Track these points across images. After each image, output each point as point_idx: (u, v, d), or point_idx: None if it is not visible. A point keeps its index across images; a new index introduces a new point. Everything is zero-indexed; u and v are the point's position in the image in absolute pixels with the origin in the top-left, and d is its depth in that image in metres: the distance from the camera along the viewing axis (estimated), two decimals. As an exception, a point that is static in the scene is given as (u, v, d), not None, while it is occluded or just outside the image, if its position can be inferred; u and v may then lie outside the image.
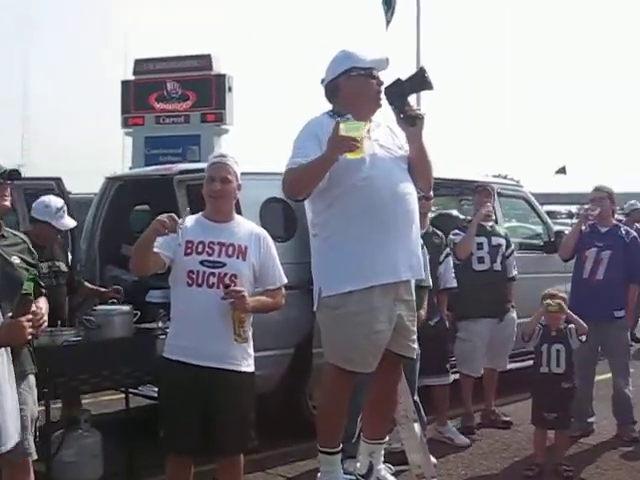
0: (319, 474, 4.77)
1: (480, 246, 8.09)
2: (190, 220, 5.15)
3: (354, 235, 4.69)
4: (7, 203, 4.70)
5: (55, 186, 8.68)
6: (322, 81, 5.03)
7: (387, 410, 4.95)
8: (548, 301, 6.73)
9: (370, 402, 4.97)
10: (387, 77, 4.97)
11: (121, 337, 6.28)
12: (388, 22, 25.46)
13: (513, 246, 8.46)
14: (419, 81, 4.80)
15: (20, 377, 4.71)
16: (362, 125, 4.52)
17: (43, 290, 4.75)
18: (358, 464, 4.93)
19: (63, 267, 7.00)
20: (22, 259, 4.68)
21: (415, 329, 5.03)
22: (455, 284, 7.74)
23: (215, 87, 25.58)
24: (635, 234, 8.19)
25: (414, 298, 4.97)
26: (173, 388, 5.09)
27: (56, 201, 7.02)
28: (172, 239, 4.87)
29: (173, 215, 4.78)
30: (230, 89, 25.84)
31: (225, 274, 4.94)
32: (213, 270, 4.94)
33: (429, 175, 5.00)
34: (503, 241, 8.26)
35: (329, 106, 5.02)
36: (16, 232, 4.94)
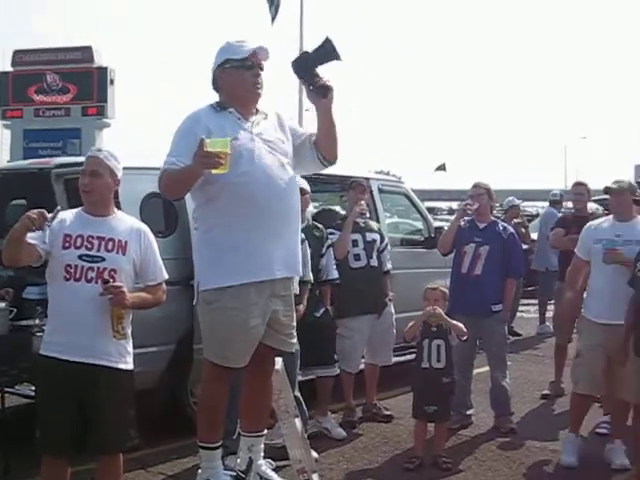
0: (199, 470, 4.74)
1: (355, 243, 8.13)
2: (69, 214, 5.08)
3: (231, 231, 4.69)
4: None
5: None
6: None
7: (263, 403, 4.95)
8: (428, 309, 6.82)
9: (246, 395, 4.98)
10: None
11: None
12: (273, 17, 25.49)
13: (387, 240, 8.53)
14: (325, 52, 4.77)
15: None
16: (227, 141, 4.51)
17: None
18: (238, 460, 4.92)
19: None
20: None
21: (293, 324, 5.04)
22: (337, 276, 7.77)
23: (96, 80, 25.17)
24: (512, 230, 8.37)
25: (292, 293, 4.97)
26: (49, 386, 4.98)
27: None
28: (45, 235, 4.79)
29: (43, 211, 4.68)
30: (112, 82, 25.46)
31: (104, 269, 4.87)
32: (92, 265, 4.86)
33: (335, 146, 5.01)
34: (377, 236, 8.31)
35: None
36: None
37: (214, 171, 4.48)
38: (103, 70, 25.33)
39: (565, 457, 6.87)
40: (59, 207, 4.88)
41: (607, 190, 7.07)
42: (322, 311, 7.60)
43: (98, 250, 4.92)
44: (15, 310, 6.34)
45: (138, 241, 5.07)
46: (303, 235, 6.35)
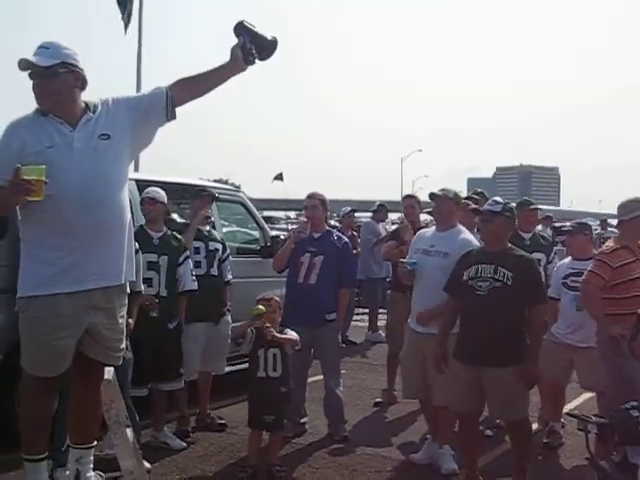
0: (26, 483, 4.63)
1: (197, 250, 8.13)
2: None
3: (42, 243, 4.64)
4: None
5: None
6: None
7: (90, 414, 4.87)
8: (255, 307, 6.84)
9: (73, 407, 4.90)
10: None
11: None
12: (126, 25, 25.03)
13: (229, 250, 8.56)
14: (267, 47, 4.91)
15: None
16: (42, 169, 4.44)
17: None
18: (67, 472, 4.83)
19: None
20: None
21: (118, 337, 4.95)
22: (195, 286, 7.76)
23: None
24: (347, 240, 8.49)
25: (116, 305, 4.88)
26: None
27: None
28: None
29: None
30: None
31: None
32: None
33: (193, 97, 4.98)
34: (220, 245, 8.34)
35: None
36: None
37: (29, 198, 4.44)
38: None
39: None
40: None
41: (432, 196, 7.29)
42: (175, 323, 7.55)
43: None
44: None
45: None
46: (137, 245, 6.26)
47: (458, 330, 6.39)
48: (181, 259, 7.70)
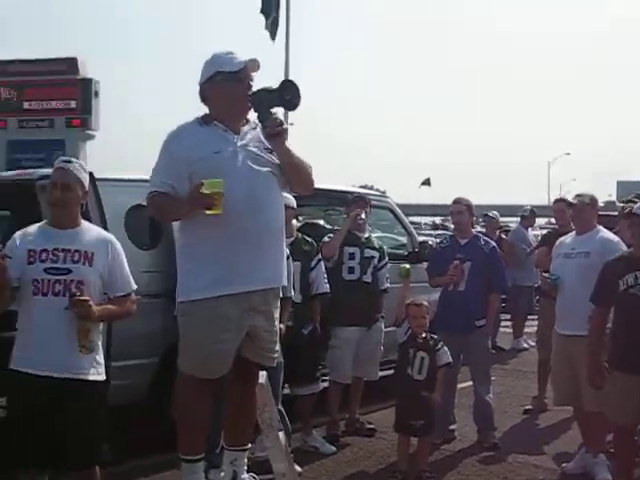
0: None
1: (352, 256, 8.16)
2: (32, 229, 5.08)
3: (208, 245, 4.69)
4: None
5: None
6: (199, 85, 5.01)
7: (246, 417, 4.94)
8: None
9: (229, 409, 4.98)
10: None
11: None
12: (272, 33, 25.36)
13: (387, 259, 8.53)
14: (280, 97, 4.75)
15: None
16: (222, 182, 4.52)
17: None
18: (222, 474, 4.91)
19: None
20: None
21: (274, 339, 5.01)
22: (327, 289, 7.78)
23: (81, 91, 25.11)
24: (494, 244, 8.40)
25: (274, 308, 4.95)
26: (19, 400, 4.98)
27: None
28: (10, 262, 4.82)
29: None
30: (97, 94, 25.40)
31: (71, 281, 4.85)
32: (58, 277, 4.84)
33: (302, 181, 5.00)
34: (376, 254, 8.32)
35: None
36: None
37: (208, 212, 4.51)
38: (88, 82, 25.26)
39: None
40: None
41: (569, 204, 7.26)
42: (310, 328, 7.61)
43: (64, 262, 4.89)
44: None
45: (105, 252, 5.03)
46: (288, 251, 6.35)
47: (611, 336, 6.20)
48: (313, 263, 7.74)
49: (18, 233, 5.10)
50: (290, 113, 15.22)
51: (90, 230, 5.14)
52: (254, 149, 4.85)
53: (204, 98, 4.93)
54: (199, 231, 4.74)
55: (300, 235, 7.81)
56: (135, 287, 5.21)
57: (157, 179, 4.73)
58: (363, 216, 8.23)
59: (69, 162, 5.06)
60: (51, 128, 25.25)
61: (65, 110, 25.47)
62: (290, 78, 4.99)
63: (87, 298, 4.78)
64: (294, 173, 4.93)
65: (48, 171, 7.93)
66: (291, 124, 26.30)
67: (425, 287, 8.74)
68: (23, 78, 25.65)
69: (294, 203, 7.61)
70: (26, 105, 25.78)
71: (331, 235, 8.26)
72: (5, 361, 5.09)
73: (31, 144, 25.01)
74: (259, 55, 4.98)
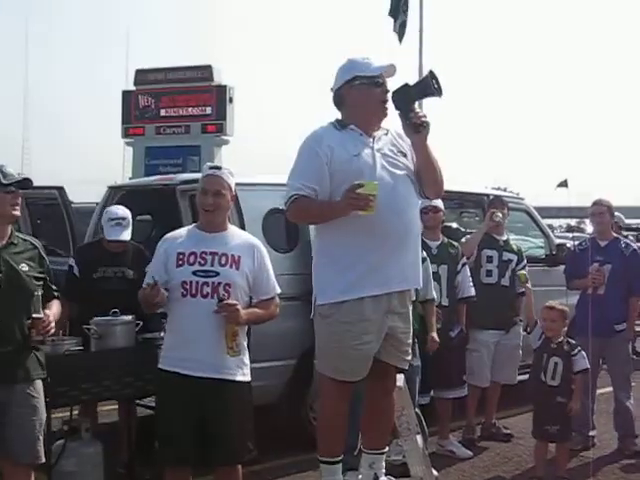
0: (319, 484, 4.77)
1: (490, 259, 8.11)
2: (182, 232, 5.28)
3: (349, 248, 4.68)
4: (18, 212, 4.93)
5: (57, 195, 8.70)
6: (332, 89, 5.00)
7: (384, 420, 4.94)
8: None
9: (368, 412, 4.96)
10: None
11: (123, 347, 6.28)
12: (400, 35, 25.29)
13: (525, 262, 8.43)
14: (425, 87, 4.72)
15: (26, 381, 4.81)
16: (376, 185, 4.51)
17: (55, 294, 5.05)
18: (360, 476, 4.92)
19: (129, 274, 6.92)
20: (30, 266, 4.88)
21: (409, 341, 5.01)
22: (473, 293, 7.77)
23: (216, 98, 25.63)
24: (635, 247, 8.20)
25: (409, 310, 4.94)
26: (168, 399, 5.13)
27: (115, 211, 7.07)
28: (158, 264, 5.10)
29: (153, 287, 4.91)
30: (231, 100, 25.88)
31: (219, 283, 4.99)
32: (206, 280, 4.99)
33: (437, 182, 4.95)
34: (514, 257, 8.25)
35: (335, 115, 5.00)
36: (27, 237, 5.09)
37: (361, 212, 4.49)
38: (222, 88, 25.76)
39: None
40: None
41: None
42: (457, 331, 7.61)
43: (212, 265, 5.03)
44: (141, 323, 6.48)
45: (251, 256, 5.15)
46: (424, 254, 6.34)
47: None
48: (459, 267, 7.74)
49: (167, 235, 5.29)
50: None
51: (237, 234, 5.29)
52: (390, 153, 4.85)
53: (339, 102, 4.91)
54: (341, 233, 4.71)
55: (446, 239, 7.81)
56: (279, 291, 5.31)
57: (298, 182, 4.69)
58: (499, 215, 8.13)
59: (218, 169, 5.20)
60: (187, 134, 25.85)
61: (201, 116, 26.05)
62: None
63: (235, 302, 4.91)
64: (430, 172, 4.89)
65: (188, 176, 8.18)
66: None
67: (561, 291, 8.59)
68: (160, 86, 26.35)
69: (442, 207, 7.63)
70: (163, 112, 26.48)
71: (468, 236, 8.22)
72: (154, 361, 5.27)
73: (168, 150, 25.66)
74: (388, 57, 4.97)
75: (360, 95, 4.80)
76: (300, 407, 7.41)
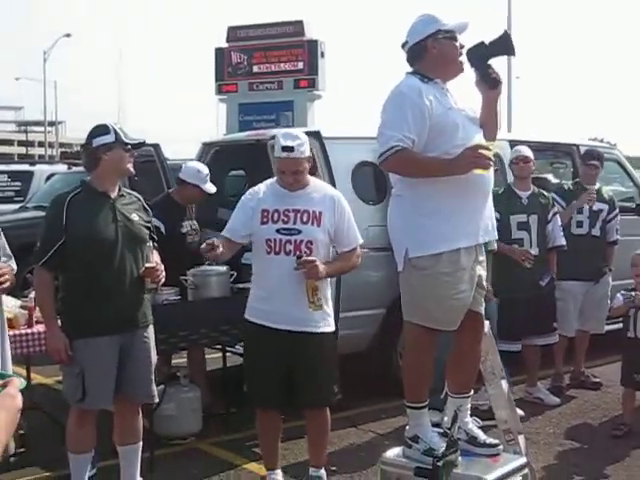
0: (407, 427, 4.90)
1: (580, 210, 8.11)
2: (264, 188, 5.44)
3: (446, 200, 4.70)
4: (132, 169, 5.23)
5: (153, 152, 8.96)
6: (403, 45, 5.02)
7: (470, 365, 5.02)
8: None
9: (454, 358, 5.04)
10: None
11: (218, 297, 6.53)
12: None
13: (617, 210, 8.42)
14: (502, 45, 4.80)
15: (144, 326, 5.17)
16: (493, 144, 4.62)
17: (155, 244, 5.36)
18: (445, 418, 5.05)
19: (196, 226, 7.37)
20: (140, 216, 5.21)
21: (488, 288, 5.13)
22: (564, 242, 7.81)
23: (307, 53, 25.66)
24: None
25: (485, 257, 5.03)
26: (254, 348, 5.45)
27: (204, 167, 7.42)
28: (244, 219, 5.32)
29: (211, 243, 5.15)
30: (323, 55, 25.86)
31: (301, 241, 5.19)
32: (289, 237, 5.20)
33: (494, 138, 5.03)
34: (605, 206, 8.26)
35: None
36: (131, 191, 5.38)
37: (478, 171, 4.53)
38: (314, 43, 25.75)
39: None
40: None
41: None
42: (547, 279, 7.68)
43: (294, 223, 5.23)
44: (235, 274, 6.72)
45: (332, 209, 5.32)
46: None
47: None
48: (550, 216, 7.78)
49: (250, 191, 5.48)
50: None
51: (318, 188, 5.43)
52: (462, 107, 4.92)
53: (419, 55, 4.91)
54: (435, 187, 4.74)
55: (537, 189, 7.85)
56: (361, 241, 5.48)
57: (398, 133, 4.61)
58: (594, 195, 8.07)
59: (291, 150, 5.22)
60: (280, 90, 25.92)
61: (293, 72, 26.08)
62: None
63: (313, 258, 5.11)
64: (493, 127, 4.96)
65: (278, 131, 8.34)
66: (517, 77, 25.85)
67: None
68: (252, 42, 26.43)
69: (532, 155, 7.70)
70: (255, 68, 26.58)
71: (555, 196, 8.15)
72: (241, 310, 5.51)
73: (261, 106, 25.78)
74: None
75: (443, 48, 4.85)
76: (390, 355, 7.58)
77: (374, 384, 7.49)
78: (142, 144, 5.33)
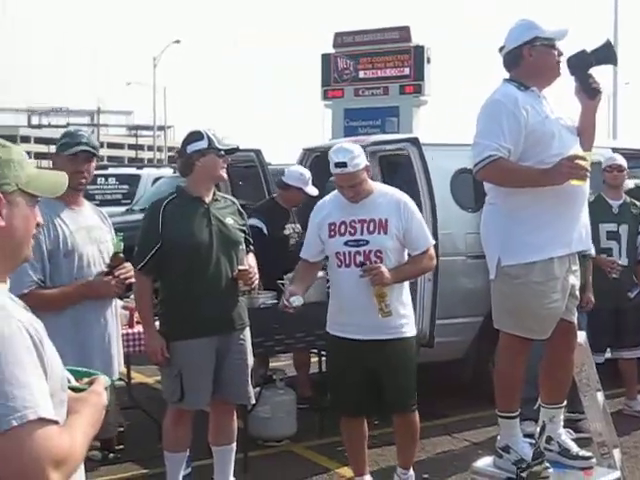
0: (498, 437, 4.87)
1: None
2: (330, 200, 5.49)
3: (542, 208, 4.67)
4: (225, 174, 5.36)
5: (255, 157, 9.07)
6: (500, 49, 4.99)
7: (564, 375, 4.96)
8: None
9: (546, 368, 4.99)
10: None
11: (314, 301, 6.57)
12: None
13: None
14: (604, 54, 4.74)
15: (240, 329, 5.29)
16: (591, 154, 4.57)
17: (251, 248, 5.44)
18: (538, 428, 5.00)
19: (299, 229, 7.54)
20: (234, 220, 5.30)
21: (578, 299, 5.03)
22: None
23: (414, 58, 25.62)
24: None
25: (578, 267, 4.96)
26: (335, 359, 5.57)
27: (306, 171, 7.69)
28: (312, 238, 5.44)
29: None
30: (429, 60, 25.80)
31: (370, 251, 5.19)
32: (358, 249, 5.21)
33: (591, 147, 4.95)
34: None
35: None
36: (225, 195, 5.48)
37: (574, 182, 4.50)
38: (420, 49, 25.70)
39: None
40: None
41: None
42: (636, 292, 7.53)
43: (361, 233, 5.23)
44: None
45: (398, 215, 5.26)
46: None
47: None
48: None
49: (315, 207, 5.57)
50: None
51: (382, 194, 5.37)
52: (558, 115, 4.86)
53: (515, 62, 4.87)
54: (530, 196, 4.68)
55: (629, 198, 7.71)
56: (432, 242, 5.42)
57: (494, 142, 4.61)
58: None
59: (344, 166, 5.16)
60: (385, 95, 25.93)
61: (399, 77, 26.07)
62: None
63: (377, 265, 5.09)
64: (590, 137, 4.90)
65: (378, 138, 8.40)
66: (626, 83, 25.34)
67: None
68: (358, 48, 26.52)
69: (626, 164, 7.57)
70: (361, 74, 26.65)
71: None
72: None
73: (367, 111, 25.82)
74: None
75: (540, 55, 4.79)
76: (487, 363, 7.52)
77: (471, 392, 7.44)
78: (235, 150, 5.40)
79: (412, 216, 5.33)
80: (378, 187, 5.47)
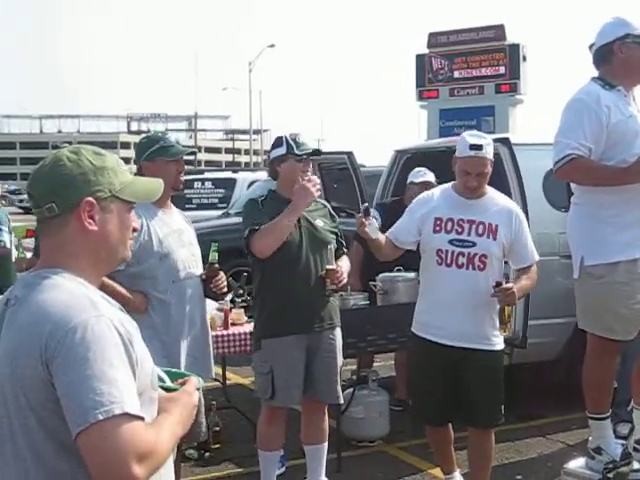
0: (590, 438, 4.83)
1: None
2: (439, 194, 5.28)
3: (624, 208, 4.64)
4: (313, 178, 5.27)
5: (347, 160, 9.13)
6: (590, 46, 4.95)
7: None
8: None
9: (637, 369, 4.94)
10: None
11: (406, 302, 6.59)
12: None
13: None
14: None
15: (329, 327, 5.32)
16: None
17: (344, 250, 5.49)
18: (629, 429, 4.95)
19: None
20: (324, 222, 5.36)
21: None
22: None
23: (509, 57, 25.38)
24: None
25: None
26: (419, 363, 5.35)
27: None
28: (408, 226, 5.24)
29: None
30: (524, 58, 25.52)
31: (475, 254, 4.98)
32: (462, 250, 5.00)
33: None
34: None
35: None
36: (317, 199, 5.50)
37: None
38: (515, 47, 25.44)
39: None
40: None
41: None
42: None
43: (469, 234, 5.02)
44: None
45: (509, 224, 5.08)
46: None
47: None
48: None
49: (422, 196, 5.41)
50: None
51: (495, 199, 5.20)
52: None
53: (605, 59, 4.83)
54: (619, 194, 4.69)
55: None
56: (537, 258, 5.24)
57: (574, 141, 4.65)
58: None
59: (480, 148, 4.99)
60: (481, 95, 25.74)
61: (494, 76, 25.86)
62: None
63: (511, 286, 4.85)
64: None
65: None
66: None
67: None
68: (453, 48, 26.40)
69: None
70: (456, 74, 26.51)
71: None
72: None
73: (462, 111, 25.67)
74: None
75: (630, 53, 4.76)
76: (580, 364, 7.42)
77: (566, 393, 7.35)
78: (315, 152, 5.40)
79: (522, 227, 5.15)
80: (491, 192, 5.25)
